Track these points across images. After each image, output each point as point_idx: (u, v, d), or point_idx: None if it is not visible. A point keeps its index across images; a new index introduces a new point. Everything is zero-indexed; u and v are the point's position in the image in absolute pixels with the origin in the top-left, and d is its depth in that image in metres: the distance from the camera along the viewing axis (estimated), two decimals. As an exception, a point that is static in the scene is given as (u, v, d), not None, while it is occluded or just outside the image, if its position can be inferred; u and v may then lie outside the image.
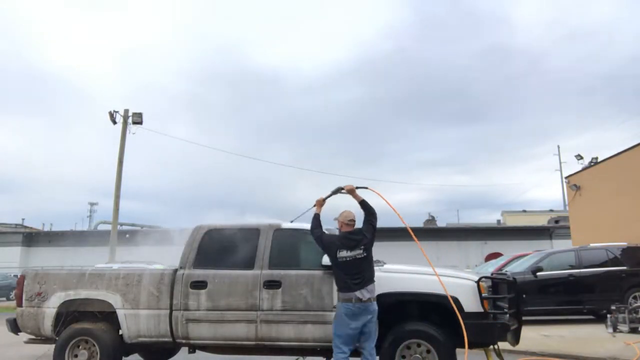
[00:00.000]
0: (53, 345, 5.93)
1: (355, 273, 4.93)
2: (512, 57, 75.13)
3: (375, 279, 5.04)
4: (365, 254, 5.02)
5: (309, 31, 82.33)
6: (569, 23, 73.35)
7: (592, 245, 12.48)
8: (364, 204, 5.28)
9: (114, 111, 21.72)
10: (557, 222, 33.22)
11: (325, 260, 5.31)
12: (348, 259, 4.99)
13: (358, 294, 4.85)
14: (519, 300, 5.69)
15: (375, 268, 5.50)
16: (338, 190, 5.42)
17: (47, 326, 5.90)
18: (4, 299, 25.03)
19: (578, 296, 11.26)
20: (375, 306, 4.94)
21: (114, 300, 5.79)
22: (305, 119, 77.55)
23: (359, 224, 5.27)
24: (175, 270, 5.85)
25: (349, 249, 5.01)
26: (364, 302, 4.85)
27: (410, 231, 5.82)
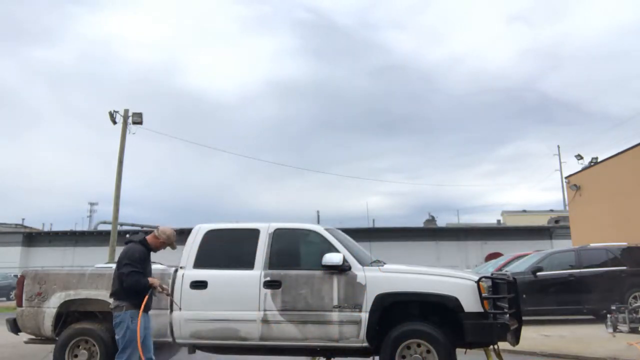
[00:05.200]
0: (53, 346, 5.93)
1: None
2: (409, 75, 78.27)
3: (380, 279, 4.90)
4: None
5: (224, 56, 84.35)
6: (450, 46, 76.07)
7: (592, 245, 12.48)
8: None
9: (114, 111, 21.76)
10: (557, 222, 33.22)
11: (326, 260, 5.33)
12: None
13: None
14: (519, 300, 5.69)
15: (375, 268, 5.53)
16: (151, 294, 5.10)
17: (47, 326, 5.90)
18: (4, 299, 25.04)
19: (578, 296, 11.24)
20: (117, 318, 4.88)
21: (114, 300, 5.77)
22: (237, 135, 78.47)
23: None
24: (176, 270, 5.86)
25: None
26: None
27: None
